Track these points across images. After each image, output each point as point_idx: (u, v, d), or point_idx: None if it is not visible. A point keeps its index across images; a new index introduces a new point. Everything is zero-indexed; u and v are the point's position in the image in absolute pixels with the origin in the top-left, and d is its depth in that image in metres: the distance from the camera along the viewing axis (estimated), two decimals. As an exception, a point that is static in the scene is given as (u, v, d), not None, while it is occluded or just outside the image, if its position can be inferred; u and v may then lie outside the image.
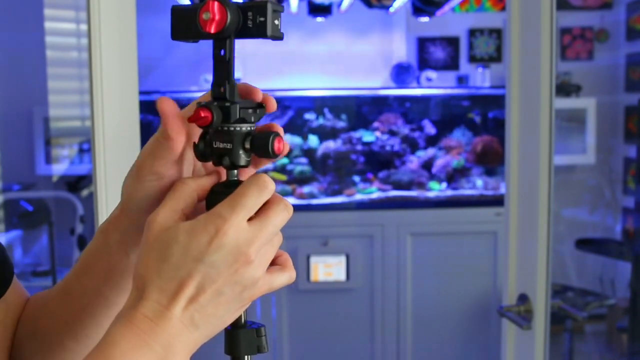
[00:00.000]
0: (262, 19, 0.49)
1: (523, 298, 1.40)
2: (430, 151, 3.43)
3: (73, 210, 2.92)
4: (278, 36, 0.51)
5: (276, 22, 0.50)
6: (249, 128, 0.51)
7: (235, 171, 0.52)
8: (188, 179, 0.51)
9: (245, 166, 0.52)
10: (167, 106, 0.49)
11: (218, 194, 0.50)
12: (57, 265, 2.73)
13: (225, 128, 0.50)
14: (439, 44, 3.73)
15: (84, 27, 1.23)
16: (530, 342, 1.38)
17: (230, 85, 0.51)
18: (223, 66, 0.51)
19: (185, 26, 0.51)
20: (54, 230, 2.79)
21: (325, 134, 3.43)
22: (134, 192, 0.53)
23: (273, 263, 0.51)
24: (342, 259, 2.94)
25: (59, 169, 3.20)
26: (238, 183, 0.51)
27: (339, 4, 3.30)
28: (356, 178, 3.34)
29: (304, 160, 3.34)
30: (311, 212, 3.02)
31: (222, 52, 0.51)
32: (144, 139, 1.40)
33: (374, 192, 3.20)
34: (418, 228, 2.98)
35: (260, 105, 0.53)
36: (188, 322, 0.47)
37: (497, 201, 3.01)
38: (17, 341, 0.63)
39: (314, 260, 2.90)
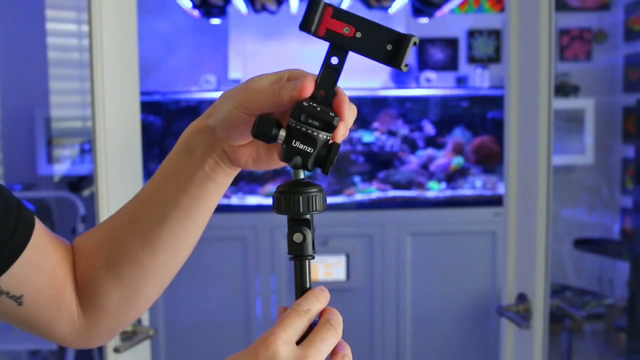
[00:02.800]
0: (402, 52, 0.51)
1: (522, 297, 1.41)
2: (430, 151, 3.44)
3: (74, 210, 2.93)
4: (403, 69, 0.52)
5: (408, 55, 0.52)
6: (327, 137, 0.53)
7: (302, 171, 0.54)
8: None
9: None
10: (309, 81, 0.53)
11: (283, 194, 0.53)
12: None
13: (315, 133, 0.52)
14: (438, 44, 3.74)
15: (85, 28, 1.23)
16: (529, 341, 1.39)
17: (332, 93, 0.53)
18: (332, 73, 0.53)
19: (318, 20, 0.52)
20: (56, 230, 2.79)
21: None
22: (225, 112, 0.56)
23: None
24: (342, 259, 2.94)
25: (61, 169, 3.20)
26: (305, 184, 0.53)
27: (339, 5, 3.30)
28: (356, 178, 3.35)
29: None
30: (311, 212, 3.02)
31: (338, 60, 0.53)
32: (145, 139, 1.41)
33: (374, 192, 3.21)
34: (418, 228, 2.99)
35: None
36: None
37: (496, 201, 3.02)
38: (89, 272, 0.65)
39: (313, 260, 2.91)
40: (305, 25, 0.52)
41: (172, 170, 0.61)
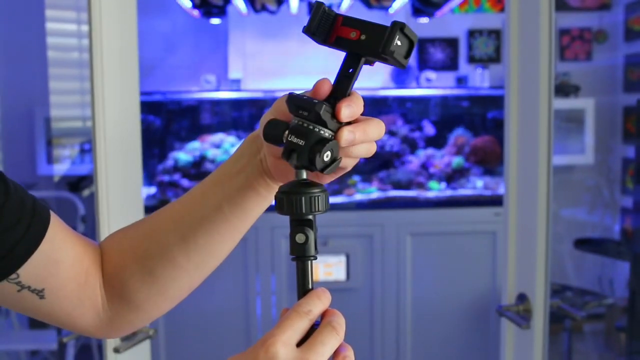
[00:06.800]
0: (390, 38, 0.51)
1: (522, 298, 1.41)
2: (430, 151, 3.44)
3: (74, 210, 2.93)
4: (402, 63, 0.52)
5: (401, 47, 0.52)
6: (328, 135, 0.52)
7: (304, 172, 0.53)
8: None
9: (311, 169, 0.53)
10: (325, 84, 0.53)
11: (285, 194, 0.52)
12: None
13: (306, 124, 0.52)
14: (439, 44, 3.74)
15: (85, 28, 1.23)
16: (529, 341, 1.39)
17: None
18: (345, 81, 0.53)
19: (326, 29, 0.53)
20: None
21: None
22: (264, 119, 0.57)
23: None
24: (342, 259, 2.94)
25: (60, 169, 3.20)
26: (307, 184, 0.52)
27: (339, 5, 3.30)
28: (356, 178, 3.35)
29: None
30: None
31: (352, 69, 0.53)
32: (145, 139, 1.41)
33: (374, 192, 3.21)
34: (418, 228, 2.99)
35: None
36: None
37: (496, 201, 3.02)
38: (122, 264, 0.67)
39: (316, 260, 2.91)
40: (317, 36, 0.53)
41: (222, 176, 0.63)
